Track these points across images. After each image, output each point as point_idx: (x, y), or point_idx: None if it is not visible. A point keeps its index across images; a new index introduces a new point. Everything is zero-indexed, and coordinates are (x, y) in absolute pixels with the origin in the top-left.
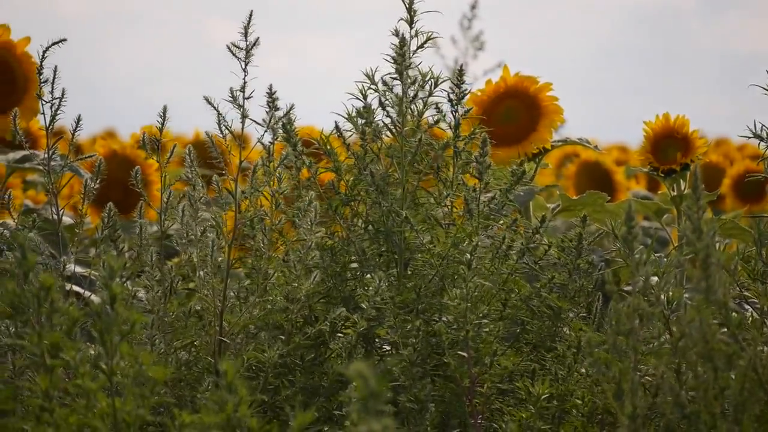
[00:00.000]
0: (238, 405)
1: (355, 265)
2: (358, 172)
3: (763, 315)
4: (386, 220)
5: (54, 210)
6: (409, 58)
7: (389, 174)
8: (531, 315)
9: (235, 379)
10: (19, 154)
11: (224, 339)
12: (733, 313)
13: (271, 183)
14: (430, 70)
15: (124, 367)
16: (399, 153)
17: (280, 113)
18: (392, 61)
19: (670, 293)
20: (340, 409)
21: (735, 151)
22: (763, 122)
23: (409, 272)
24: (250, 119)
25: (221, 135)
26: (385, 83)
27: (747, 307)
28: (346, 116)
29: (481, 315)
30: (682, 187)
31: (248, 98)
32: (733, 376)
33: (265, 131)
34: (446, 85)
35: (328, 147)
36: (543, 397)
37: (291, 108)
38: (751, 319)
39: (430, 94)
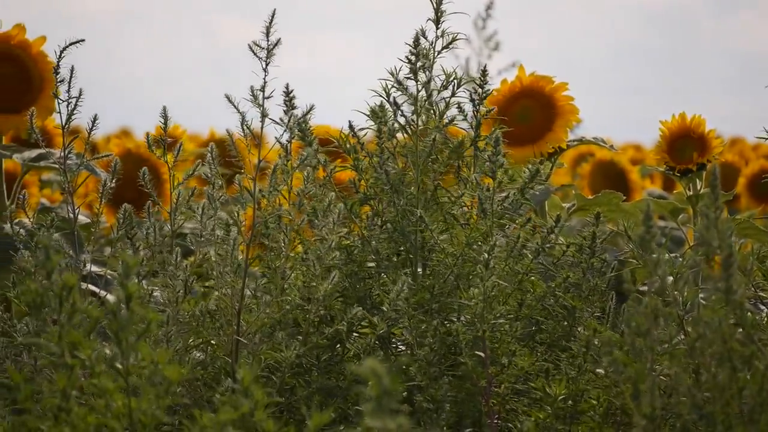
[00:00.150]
0: (253, 409)
1: (371, 264)
2: (375, 170)
3: None
4: (401, 219)
5: (70, 209)
6: (434, 58)
7: (405, 173)
8: (546, 314)
9: (251, 383)
10: (34, 153)
11: (241, 339)
12: (748, 313)
13: (289, 182)
14: (454, 70)
15: (140, 366)
16: (413, 152)
17: (297, 112)
18: (407, 62)
19: (685, 293)
20: (356, 408)
21: (750, 151)
22: None
23: (426, 272)
24: (270, 119)
25: (241, 134)
26: (400, 83)
27: (762, 307)
28: (369, 113)
29: (497, 315)
30: (698, 187)
31: (269, 97)
32: (749, 377)
33: (284, 131)
34: (465, 85)
35: (348, 145)
36: (560, 397)
37: (311, 109)
38: (766, 319)
39: (453, 94)
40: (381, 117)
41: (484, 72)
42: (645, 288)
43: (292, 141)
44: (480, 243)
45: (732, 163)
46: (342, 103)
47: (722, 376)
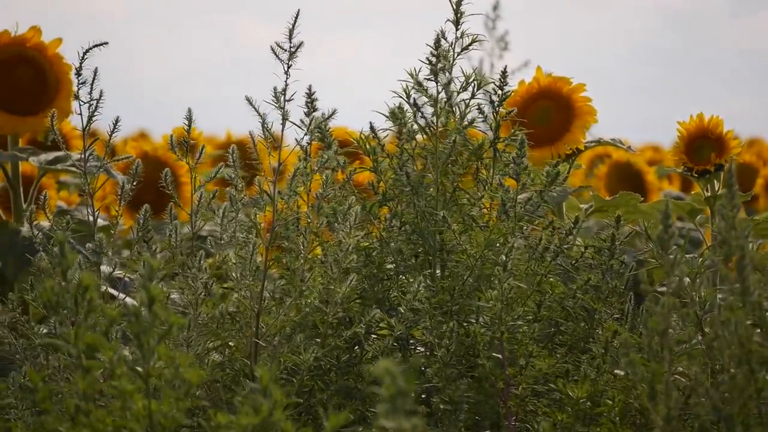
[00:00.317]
0: (272, 409)
1: (390, 266)
2: (395, 172)
3: None
4: (421, 220)
5: (89, 211)
6: (454, 59)
7: (425, 174)
8: (565, 316)
9: (270, 383)
10: (51, 155)
11: (260, 341)
12: (767, 314)
13: (308, 184)
14: (474, 72)
15: (160, 368)
16: (433, 153)
17: (318, 114)
18: (427, 63)
19: (703, 294)
20: (374, 410)
21: None
22: None
23: (446, 273)
24: (290, 121)
25: (261, 136)
26: (420, 84)
27: None
28: (389, 114)
29: (516, 316)
30: (716, 188)
31: (290, 100)
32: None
33: (305, 134)
34: (481, 87)
35: (368, 147)
36: (582, 399)
37: (333, 112)
38: None
39: (473, 95)
40: (401, 118)
41: (503, 73)
42: (663, 288)
43: (312, 143)
44: (501, 244)
45: (750, 164)
46: (360, 104)
47: (740, 377)
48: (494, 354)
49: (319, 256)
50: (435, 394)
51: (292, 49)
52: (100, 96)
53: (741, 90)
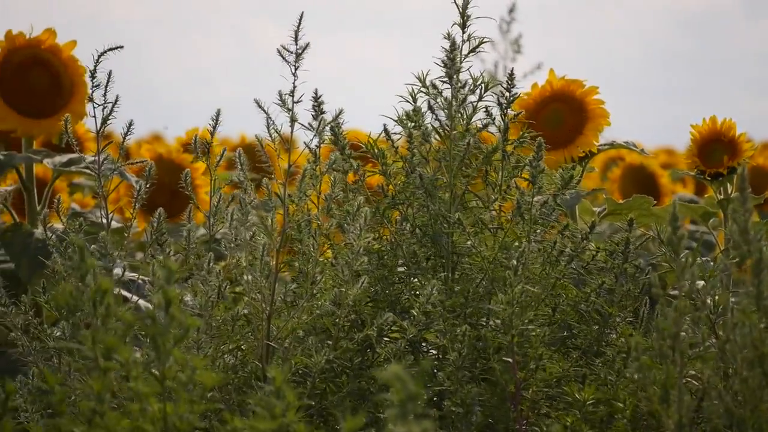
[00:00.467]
0: (285, 410)
1: (402, 269)
2: (406, 175)
3: None
4: (434, 223)
5: (103, 213)
6: (461, 61)
7: (437, 177)
8: (579, 320)
9: (283, 385)
10: (65, 158)
11: (271, 344)
12: None
13: (318, 186)
14: (481, 74)
15: (175, 371)
16: (448, 156)
17: (326, 116)
18: (442, 65)
19: (716, 297)
20: (386, 413)
21: None
22: None
23: (457, 276)
24: (299, 123)
25: (270, 139)
26: (434, 86)
27: None
28: (396, 119)
29: (527, 320)
30: (729, 191)
31: (298, 102)
32: None
33: (314, 135)
34: (493, 89)
35: (376, 150)
36: (589, 401)
37: (340, 113)
38: None
39: (480, 98)
40: (416, 121)
41: (511, 76)
42: (676, 292)
43: (322, 146)
44: (515, 247)
45: (763, 167)
46: (370, 107)
47: (753, 380)
48: (505, 358)
49: (330, 259)
50: (447, 397)
51: (299, 51)
52: (116, 100)
53: (755, 93)
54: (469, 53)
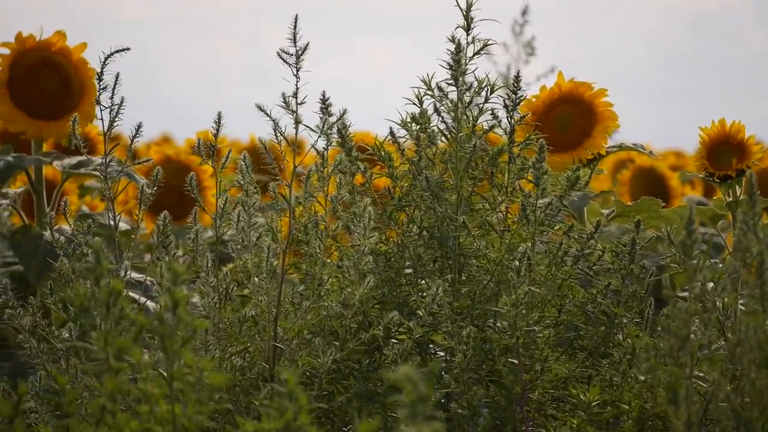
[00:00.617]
0: (297, 413)
1: (409, 270)
2: (413, 177)
3: None
4: (441, 225)
5: (110, 215)
6: (465, 64)
7: (444, 179)
8: (586, 321)
9: (295, 387)
10: (74, 160)
11: (278, 345)
12: None
13: (325, 188)
14: (487, 76)
15: (184, 372)
16: (454, 158)
17: (333, 119)
18: (448, 68)
19: (725, 299)
20: (394, 414)
21: None
22: None
23: (464, 278)
24: (304, 125)
25: (276, 141)
26: (440, 89)
27: None
28: (400, 122)
29: (531, 321)
30: (738, 193)
31: (301, 104)
32: None
33: (319, 137)
34: (501, 92)
35: (383, 152)
36: (594, 403)
37: (344, 113)
38: None
39: (486, 100)
40: (423, 123)
41: (517, 78)
42: (685, 294)
43: (329, 148)
44: (520, 249)
45: None
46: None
47: (760, 382)
48: (511, 359)
49: (337, 261)
50: (454, 399)
51: (298, 53)
52: (122, 102)
53: (765, 95)
54: (473, 56)
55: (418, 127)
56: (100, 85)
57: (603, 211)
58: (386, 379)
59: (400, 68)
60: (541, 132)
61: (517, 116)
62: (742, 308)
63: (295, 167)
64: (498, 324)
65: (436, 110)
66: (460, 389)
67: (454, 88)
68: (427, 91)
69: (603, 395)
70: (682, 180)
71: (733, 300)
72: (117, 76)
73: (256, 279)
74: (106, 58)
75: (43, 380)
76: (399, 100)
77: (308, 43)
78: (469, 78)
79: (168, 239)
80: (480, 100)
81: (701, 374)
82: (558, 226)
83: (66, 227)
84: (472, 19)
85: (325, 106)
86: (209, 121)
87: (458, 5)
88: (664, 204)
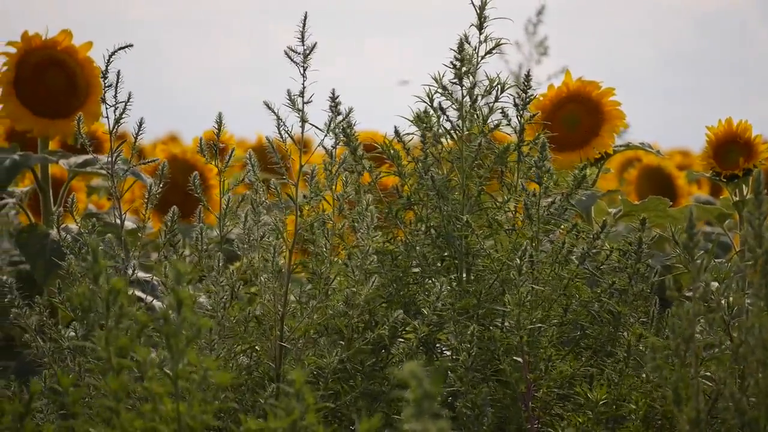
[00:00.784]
0: (305, 412)
1: (416, 269)
2: (419, 176)
3: None
4: (447, 224)
5: (117, 214)
6: (477, 63)
7: (450, 178)
8: (591, 320)
9: (302, 386)
10: (81, 158)
11: (285, 344)
12: None
13: (333, 187)
14: (498, 75)
15: (189, 371)
16: (460, 157)
17: (340, 117)
18: (452, 67)
19: (731, 299)
20: (399, 414)
21: None
22: None
23: (471, 277)
24: (310, 124)
25: (281, 139)
26: (445, 88)
27: None
28: (412, 120)
29: (535, 320)
30: (745, 193)
31: (308, 102)
32: None
33: (325, 136)
34: (510, 90)
35: (391, 151)
36: (600, 402)
37: (350, 112)
38: None
39: (497, 99)
40: (426, 122)
41: (527, 77)
42: (691, 294)
43: (336, 147)
44: (521, 248)
45: None
46: (393, 109)
47: (764, 382)
48: (515, 358)
49: (343, 260)
50: (459, 398)
51: (306, 52)
52: (128, 98)
53: None
54: (485, 54)
55: (424, 125)
56: (104, 83)
57: (610, 210)
58: (392, 378)
59: (409, 68)
60: (548, 131)
61: (527, 115)
62: (750, 307)
63: (301, 166)
64: (507, 323)
65: (441, 108)
66: (465, 388)
67: (459, 87)
68: (438, 90)
69: (609, 394)
70: (689, 179)
71: (739, 299)
72: (119, 74)
73: (263, 278)
74: (110, 56)
75: (48, 380)
76: (407, 99)
77: (316, 42)
78: (480, 76)
79: (176, 237)
80: (490, 98)
81: (708, 374)
82: (563, 226)
83: (73, 226)
84: (485, 17)
85: (334, 104)
86: (216, 121)
87: (472, 3)
88: (671, 203)
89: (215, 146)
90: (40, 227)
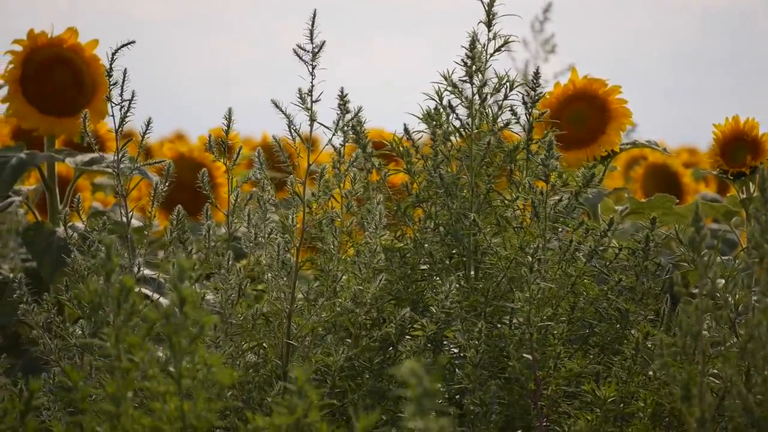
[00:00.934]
0: (308, 410)
1: (424, 267)
2: (428, 174)
3: None
4: (455, 222)
5: (123, 212)
6: (486, 60)
7: (459, 176)
8: (599, 317)
9: (305, 384)
10: (87, 157)
11: (292, 342)
12: None
13: (341, 185)
14: (506, 73)
15: (193, 369)
16: (469, 155)
17: (349, 116)
18: (462, 64)
19: (738, 296)
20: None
21: None
22: None
23: (479, 275)
24: (318, 122)
25: (290, 138)
26: (455, 85)
27: None
28: (421, 117)
29: (545, 317)
30: (752, 190)
31: (316, 101)
32: None
33: (334, 134)
34: (518, 88)
35: (401, 149)
36: (609, 399)
37: (359, 110)
38: None
39: (506, 97)
40: (436, 120)
41: (536, 75)
42: (697, 290)
43: (345, 144)
44: (533, 246)
45: None
46: (396, 106)
47: None
48: (524, 355)
49: (352, 257)
50: (467, 395)
51: (315, 50)
52: (132, 96)
53: None
54: (494, 52)
55: (434, 123)
56: (109, 81)
57: (617, 207)
58: (399, 376)
59: (420, 65)
60: (556, 128)
61: (536, 113)
62: (756, 304)
63: (309, 164)
64: (515, 320)
65: (451, 106)
66: (473, 385)
67: (469, 85)
68: (448, 87)
69: (618, 392)
70: (696, 177)
71: (746, 296)
72: (125, 72)
73: (270, 275)
74: (114, 53)
75: (56, 377)
76: (416, 96)
77: (324, 41)
78: (488, 74)
79: (183, 235)
80: (499, 96)
81: (715, 371)
82: (571, 223)
83: (79, 224)
84: (494, 14)
85: (343, 102)
86: (221, 119)
87: (481, 1)
88: (677, 201)
89: (224, 144)
90: (46, 225)
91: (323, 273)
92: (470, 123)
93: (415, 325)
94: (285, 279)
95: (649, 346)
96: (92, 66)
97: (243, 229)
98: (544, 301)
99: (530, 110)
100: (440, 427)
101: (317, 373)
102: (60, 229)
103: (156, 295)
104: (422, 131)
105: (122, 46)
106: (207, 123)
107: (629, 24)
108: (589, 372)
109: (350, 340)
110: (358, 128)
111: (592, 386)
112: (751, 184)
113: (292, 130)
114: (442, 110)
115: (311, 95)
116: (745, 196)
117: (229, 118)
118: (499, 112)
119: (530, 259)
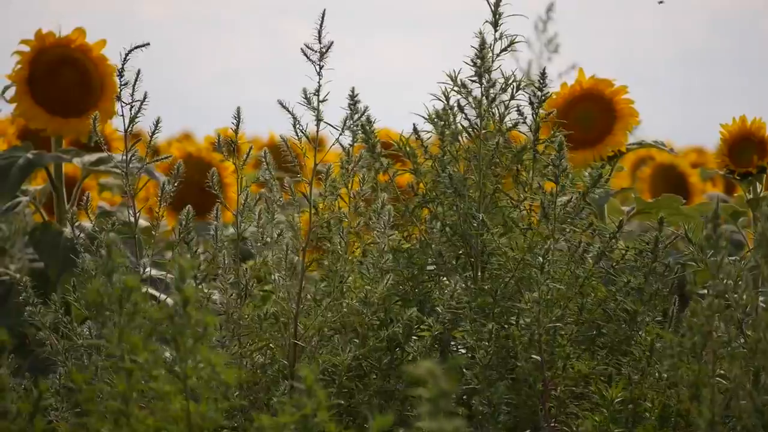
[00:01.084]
0: (316, 410)
1: (431, 267)
2: (436, 174)
3: None
4: (463, 222)
5: (131, 212)
6: (493, 60)
7: (467, 177)
8: (607, 318)
9: (314, 384)
10: (94, 157)
11: (299, 342)
12: None
13: (349, 185)
14: (513, 73)
15: (198, 369)
16: (477, 155)
17: (356, 115)
18: (472, 64)
19: (745, 296)
20: (413, 412)
21: None
22: None
23: (486, 275)
24: (325, 122)
25: (296, 138)
26: (464, 85)
27: None
28: (427, 117)
29: (554, 318)
30: (759, 190)
31: (323, 101)
32: None
33: (341, 134)
34: (524, 89)
35: (408, 149)
36: (616, 400)
37: (365, 110)
38: None
39: (512, 97)
40: (445, 120)
41: (543, 75)
42: (705, 291)
43: (354, 144)
44: (541, 247)
45: None
46: (403, 106)
47: None
48: (532, 356)
49: (358, 257)
50: (475, 396)
51: (323, 50)
52: (144, 97)
53: None
54: (501, 52)
55: (442, 123)
56: (120, 82)
57: (623, 208)
58: (408, 375)
59: (426, 65)
60: (563, 129)
61: (542, 113)
62: (763, 305)
63: (315, 164)
64: (522, 321)
65: (459, 106)
66: (482, 386)
67: (478, 85)
68: (454, 88)
69: (625, 392)
70: (703, 177)
71: (753, 297)
72: (138, 73)
73: (276, 276)
74: (127, 54)
75: (63, 377)
76: (422, 97)
77: (332, 42)
78: (496, 74)
79: (190, 234)
80: (504, 96)
81: (722, 371)
82: (579, 224)
83: (86, 224)
84: (500, 14)
85: (353, 102)
86: (228, 119)
87: (487, 1)
88: (684, 201)
89: (232, 143)
90: (53, 225)
91: (330, 273)
92: (479, 123)
93: (421, 326)
94: (292, 279)
95: (658, 346)
96: (100, 66)
97: (252, 229)
98: (553, 302)
99: (537, 110)
100: (454, 428)
101: (324, 373)
102: (67, 230)
103: (163, 296)
104: (429, 132)
105: (136, 47)
106: (213, 123)
107: (636, 24)
108: (598, 373)
109: (357, 341)
110: (368, 128)
111: (600, 387)
112: (758, 184)
113: (298, 130)
114: (449, 111)
115: (318, 95)
116: (752, 196)
117: (237, 118)
118: (506, 113)
119: (540, 259)
